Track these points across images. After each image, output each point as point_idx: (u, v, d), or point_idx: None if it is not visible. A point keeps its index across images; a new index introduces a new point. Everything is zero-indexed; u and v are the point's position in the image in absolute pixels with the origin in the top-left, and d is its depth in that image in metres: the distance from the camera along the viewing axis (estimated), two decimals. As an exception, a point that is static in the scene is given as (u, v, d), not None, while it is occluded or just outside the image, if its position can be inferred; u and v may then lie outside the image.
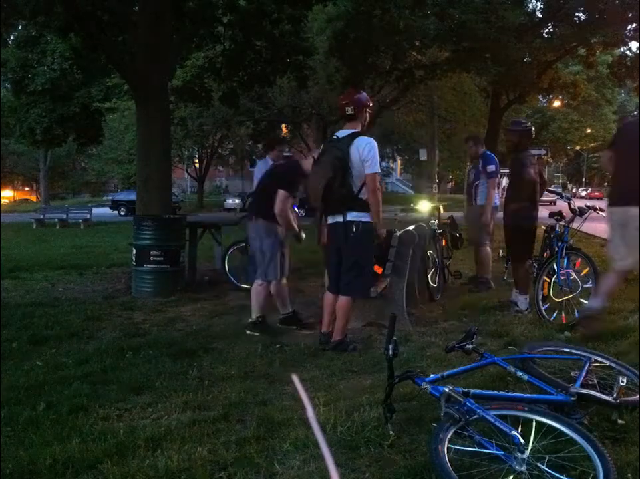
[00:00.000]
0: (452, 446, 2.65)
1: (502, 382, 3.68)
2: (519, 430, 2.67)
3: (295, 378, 1.94)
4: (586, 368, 3.37)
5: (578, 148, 48.55)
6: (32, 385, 3.88)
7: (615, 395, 3.06)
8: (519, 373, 3.32)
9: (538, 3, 15.88)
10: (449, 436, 2.65)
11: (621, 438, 2.96)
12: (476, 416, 2.72)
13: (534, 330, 5.24)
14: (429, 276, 6.82)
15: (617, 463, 2.64)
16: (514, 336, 4.97)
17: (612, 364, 3.69)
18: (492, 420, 2.68)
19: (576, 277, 5.66)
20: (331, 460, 2.04)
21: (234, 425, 3.25)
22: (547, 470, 2.51)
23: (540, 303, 5.72)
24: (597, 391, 3.15)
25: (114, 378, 4.02)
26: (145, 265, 7.12)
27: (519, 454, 2.51)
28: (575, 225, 6.23)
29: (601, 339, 4.70)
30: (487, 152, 7.86)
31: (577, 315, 5.40)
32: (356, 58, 14.01)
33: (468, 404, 2.77)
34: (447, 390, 2.88)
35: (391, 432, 3.01)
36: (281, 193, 5.08)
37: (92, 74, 19.51)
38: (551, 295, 5.80)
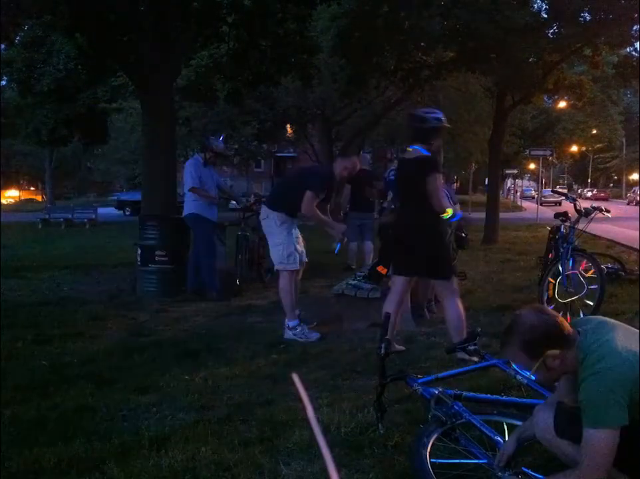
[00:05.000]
0: (438, 443, 2.65)
1: (508, 385, 3.66)
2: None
3: (296, 378, 1.93)
4: None
5: (584, 148, 48.41)
6: (37, 384, 3.90)
7: None
8: (519, 377, 3.31)
9: (544, 4, 15.82)
10: (433, 439, 2.64)
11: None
12: (462, 420, 2.71)
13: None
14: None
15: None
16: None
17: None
18: (478, 424, 2.67)
19: (581, 279, 5.64)
20: (331, 460, 2.03)
21: (238, 425, 3.26)
22: (533, 473, 2.49)
23: (545, 304, 5.70)
24: None
25: (119, 378, 4.03)
26: (150, 265, 7.13)
27: None
28: (580, 226, 6.21)
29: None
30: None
31: (582, 315, 5.39)
32: (361, 58, 13.98)
33: (455, 407, 2.76)
34: (437, 392, 2.87)
35: (381, 431, 3.01)
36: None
37: (98, 74, 19.60)
38: (556, 296, 5.78)
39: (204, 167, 7.13)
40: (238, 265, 7.70)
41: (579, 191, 57.93)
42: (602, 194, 52.86)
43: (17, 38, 21.49)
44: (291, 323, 5.21)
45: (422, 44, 14.21)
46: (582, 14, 13.46)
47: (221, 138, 7.80)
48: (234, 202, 8.35)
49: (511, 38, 12.05)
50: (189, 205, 7.05)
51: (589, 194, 52.85)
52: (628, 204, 43.17)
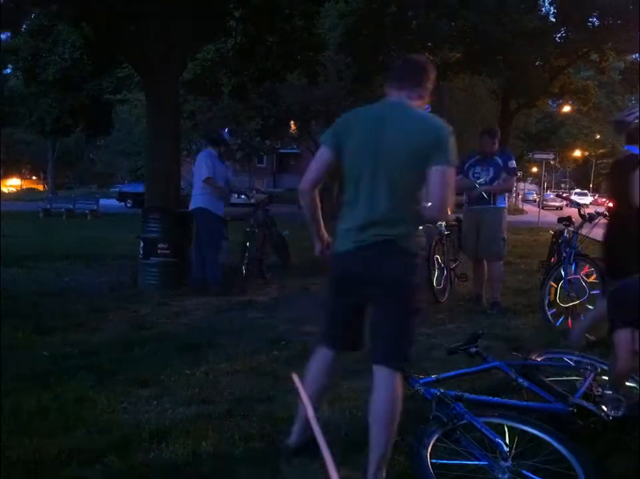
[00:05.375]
0: (438, 444, 2.66)
1: (508, 388, 3.66)
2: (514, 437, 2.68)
3: (296, 378, 1.92)
4: (590, 378, 3.34)
5: (586, 153, 48.39)
6: (38, 375, 3.89)
7: (607, 409, 3.03)
8: (520, 380, 3.31)
9: (552, 8, 15.81)
10: (434, 440, 2.64)
11: (627, 446, 2.95)
12: (464, 421, 2.71)
13: (540, 335, 5.23)
14: (434, 278, 6.80)
15: (623, 471, 2.65)
16: (520, 341, 4.96)
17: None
18: (479, 426, 2.67)
19: (583, 283, 5.64)
20: (331, 460, 2.03)
21: (239, 421, 3.26)
22: (533, 476, 2.50)
23: (546, 308, 5.70)
24: (599, 402, 3.12)
25: (120, 371, 4.03)
26: (152, 258, 7.13)
27: (502, 462, 2.50)
28: (584, 231, 6.20)
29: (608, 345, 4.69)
30: (504, 147, 7.24)
31: (582, 319, 5.39)
32: (367, 56, 13.99)
33: (457, 408, 2.76)
34: (438, 393, 2.87)
35: None
36: None
37: (103, 64, 19.60)
38: (558, 301, 5.78)
39: (218, 160, 7.04)
40: (246, 263, 7.46)
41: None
42: (603, 199, 52.81)
43: (24, 26, 21.48)
44: None
45: (429, 44, 14.21)
46: (590, 20, 13.45)
47: (226, 131, 7.77)
48: (243, 196, 8.32)
49: (518, 41, 12.06)
50: (197, 199, 6.96)
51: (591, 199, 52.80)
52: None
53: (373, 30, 13.19)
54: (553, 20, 14.35)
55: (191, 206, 7.06)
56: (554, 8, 15.05)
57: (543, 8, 15.57)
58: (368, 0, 13.52)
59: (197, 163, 7.14)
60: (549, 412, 3.08)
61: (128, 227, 13.80)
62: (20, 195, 46.50)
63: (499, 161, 6.43)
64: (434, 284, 6.75)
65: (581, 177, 69.46)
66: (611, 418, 3.02)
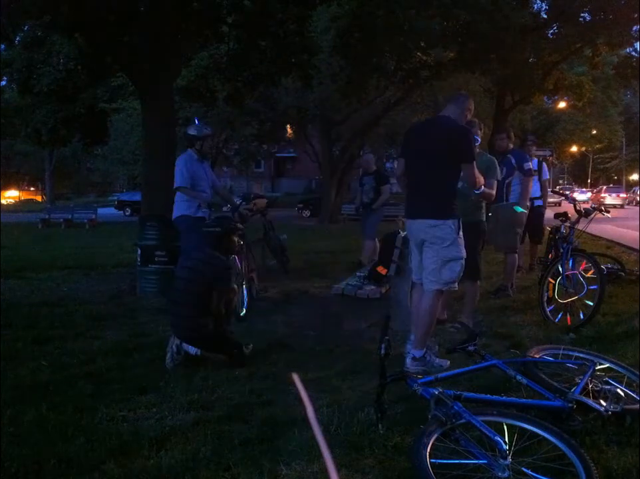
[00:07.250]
0: (438, 444, 2.66)
1: (508, 385, 3.66)
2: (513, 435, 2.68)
3: (296, 378, 1.91)
4: (589, 373, 3.34)
5: (583, 149, 48.43)
6: (37, 385, 3.90)
7: (606, 405, 3.03)
8: (519, 377, 3.31)
9: (544, 4, 15.86)
10: (433, 439, 2.65)
11: (627, 442, 2.95)
12: (462, 420, 2.71)
13: (539, 332, 5.23)
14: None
15: (623, 466, 2.64)
16: (519, 338, 4.96)
17: (618, 369, 3.67)
18: (478, 425, 2.67)
19: (581, 279, 5.64)
20: (331, 460, 2.04)
21: (238, 425, 3.25)
22: (533, 473, 2.50)
23: (545, 304, 5.70)
24: (599, 398, 3.12)
25: (119, 378, 4.03)
26: (150, 265, 7.13)
27: (501, 460, 2.50)
28: (580, 226, 6.20)
29: (607, 341, 4.71)
30: (517, 150, 7.21)
31: (582, 316, 5.39)
32: (361, 58, 13.99)
33: (455, 407, 2.76)
34: (436, 392, 2.87)
35: (381, 431, 3.03)
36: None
37: (98, 74, 19.62)
38: (556, 297, 5.77)
39: (199, 163, 6.35)
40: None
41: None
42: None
43: (17, 38, 21.49)
44: (418, 353, 4.21)
45: (422, 44, 14.21)
46: (582, 15, 13.48)
47: (196, 121, 7.18)
48: (229, 205, 6.83)
49: (511, 39, 12.07)
50: (180, 206, 6.34)
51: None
52: (628, 204, 43.12)
53: (366, 32, 13.19)
54: (545, 16, 14.40)
55: (173, 215, 6.44)
56: (546, 4, 15.12)
57: (535, 5, 15.62)
58: (360, 2, 13.53)
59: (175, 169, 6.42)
60: (548, 409, 3.08)
61: (127, 235, 13.82)
62: (19, 206, 46.53)
63: (513, 161, 6.64)
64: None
65: (579, 173, 69.52)
66: (610, 412, 3.02)
